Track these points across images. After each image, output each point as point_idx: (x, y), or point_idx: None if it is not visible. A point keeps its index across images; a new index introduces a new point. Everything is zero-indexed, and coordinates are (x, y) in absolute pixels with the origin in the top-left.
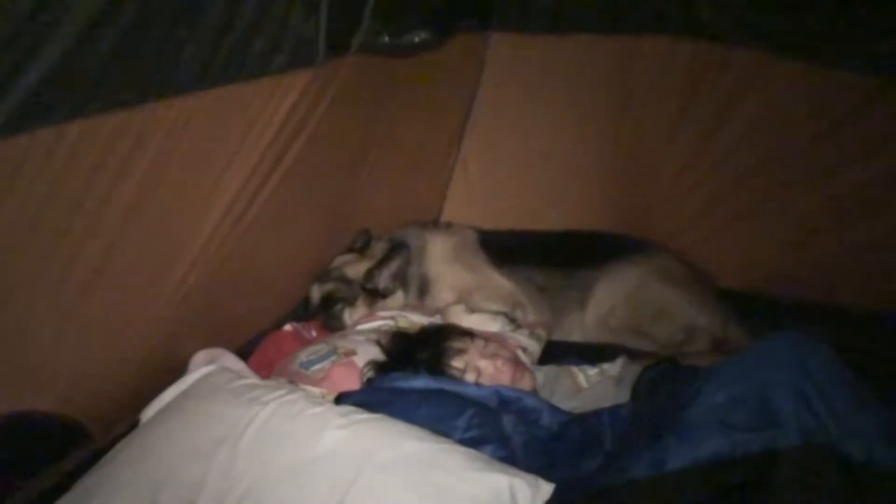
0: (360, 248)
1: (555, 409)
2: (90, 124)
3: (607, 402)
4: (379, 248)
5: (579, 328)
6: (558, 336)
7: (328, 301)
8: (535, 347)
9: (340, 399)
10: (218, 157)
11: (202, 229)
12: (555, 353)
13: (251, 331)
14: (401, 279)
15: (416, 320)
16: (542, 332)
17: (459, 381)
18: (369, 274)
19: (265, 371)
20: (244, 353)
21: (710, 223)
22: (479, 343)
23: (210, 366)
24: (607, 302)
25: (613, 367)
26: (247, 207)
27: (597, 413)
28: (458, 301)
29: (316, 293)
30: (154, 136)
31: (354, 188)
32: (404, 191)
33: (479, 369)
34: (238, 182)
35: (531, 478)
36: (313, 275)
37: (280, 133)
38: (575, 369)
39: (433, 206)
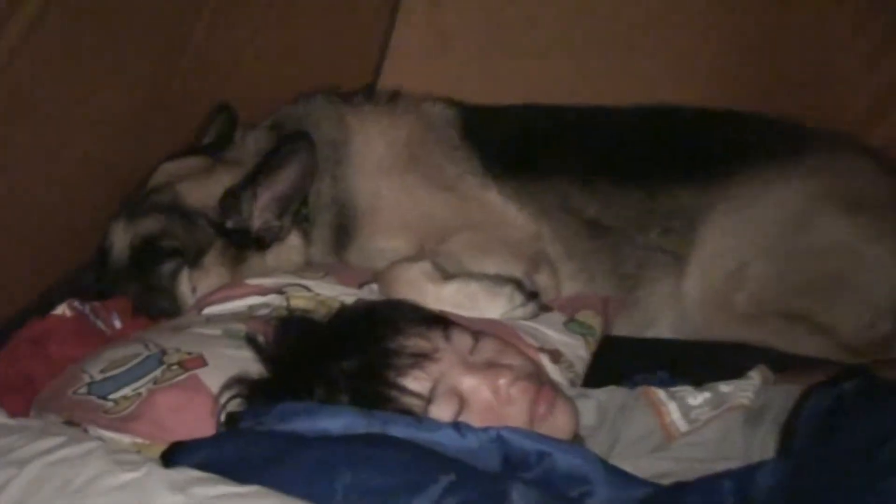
0: (213, 143)
1: (620, 477)
2: None
3: (729, 460)
4: (252, 144)
5: (671, 310)
6: (628, 326)
7: (147, 255)
8: (580, 350)
9: (173, 456)
10: None
11: None
12: (621, 361)
13: None
14: (297, 210)
15: (328, 294)
16: (592, 319)
17: (421, 419)
18: (232, 198)
19: (16, 396)
20: None
21: None
22: (463, 342)
23: None
24: (731, 255)
25: (741, 390)
26: None
27: (709, 482)
28: (417, 254)
29: (121, 239)
30: None
31: (195, 27)
32: (301, 28)
33: (461, 396)
34: None
35: None
36: (114, 203)
37: None
38: (662, 395)
39: (362, 59)
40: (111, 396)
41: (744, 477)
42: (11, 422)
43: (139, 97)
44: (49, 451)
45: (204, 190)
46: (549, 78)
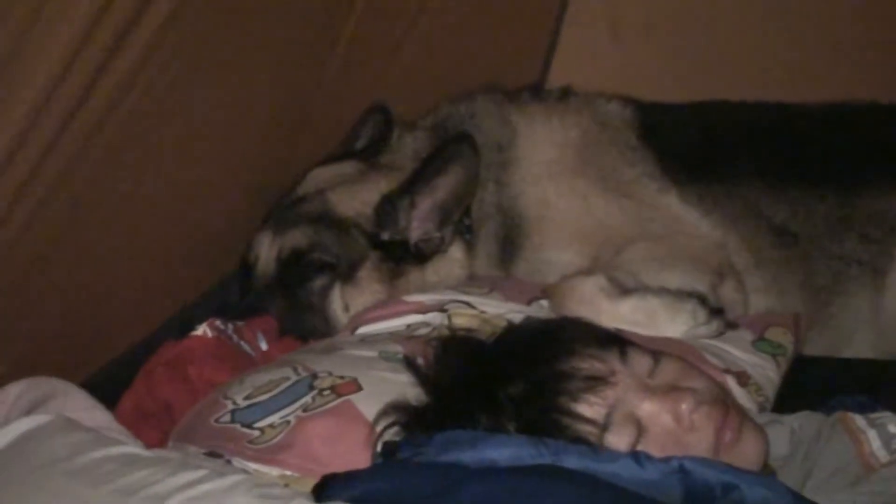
0: (367, 147)
1: None
2: None
3: None
4: (409, 147)
5: (870, 327)
6: (822, 345)
7: (295, 270)
8: (770, 372)
9: (326, 490)
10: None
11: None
12: (815, 383)
13: (121, 341)
14: (459, 219)
15: (493, 312)
16: (782, 338)
17: (596, 448)
18: (388, 207)
19: (153, 427)
20: (109, 389)
21: None
22: (641, 363)
23: (37, 415)
24: None
25: None
26: (85, 93)
27: None
28: (591, 267)
29: (267, 253)
30: None
31: (346, 21)
32: (462, 20)
33: (639, 423)
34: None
35: None
36: (259, 213)
37: None
38: (861, 421)
39: (529, 54)
40: (257, 425)
41: None
42: (147, 453)
43: (286, 97)
44: (189, 485)
45: (357, 198)
46: (732, 72)
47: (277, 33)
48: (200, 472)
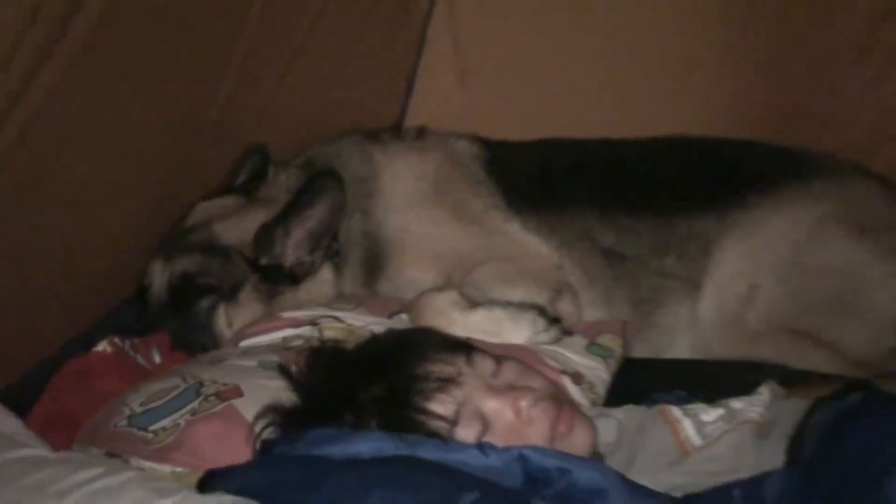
0: (247, 182)
1: (637, 490)
2: None
3: (740, 472)
4: (283, 183)
5: (688, 332)
6: (647, 348)
7: (184, 293)
8: (600, 372)
9: (209, 483)
10: None
11: None
12: (639, 381)
13: (29, 357)
14: (328, 245)
15: (357, 325)
16: (612, 343)
17: (446, 441)
18: (265, 235)
19: (60, 432)
20: (19, 399)
21: None
22: (486, 366)
23: None
24: (743, 278)
25: (752, 406)
26: None
27: (720, 491)
28: (444, 284)
29: (160, 278)
30: None
31: (225, 75)
32: (330, 70)
33: (484, 418)
34: None
35: None
36: (151, 242)
37: None
38: (677, 412)
39: (389, 99)
40: (151, 428)
41: (753, 486)
42: (51, 455)
43: (174, 139)
44: (88, 481)
45: (239, 228)
46: (565, 113)
47: (158, 91)
48: (98, 470)
